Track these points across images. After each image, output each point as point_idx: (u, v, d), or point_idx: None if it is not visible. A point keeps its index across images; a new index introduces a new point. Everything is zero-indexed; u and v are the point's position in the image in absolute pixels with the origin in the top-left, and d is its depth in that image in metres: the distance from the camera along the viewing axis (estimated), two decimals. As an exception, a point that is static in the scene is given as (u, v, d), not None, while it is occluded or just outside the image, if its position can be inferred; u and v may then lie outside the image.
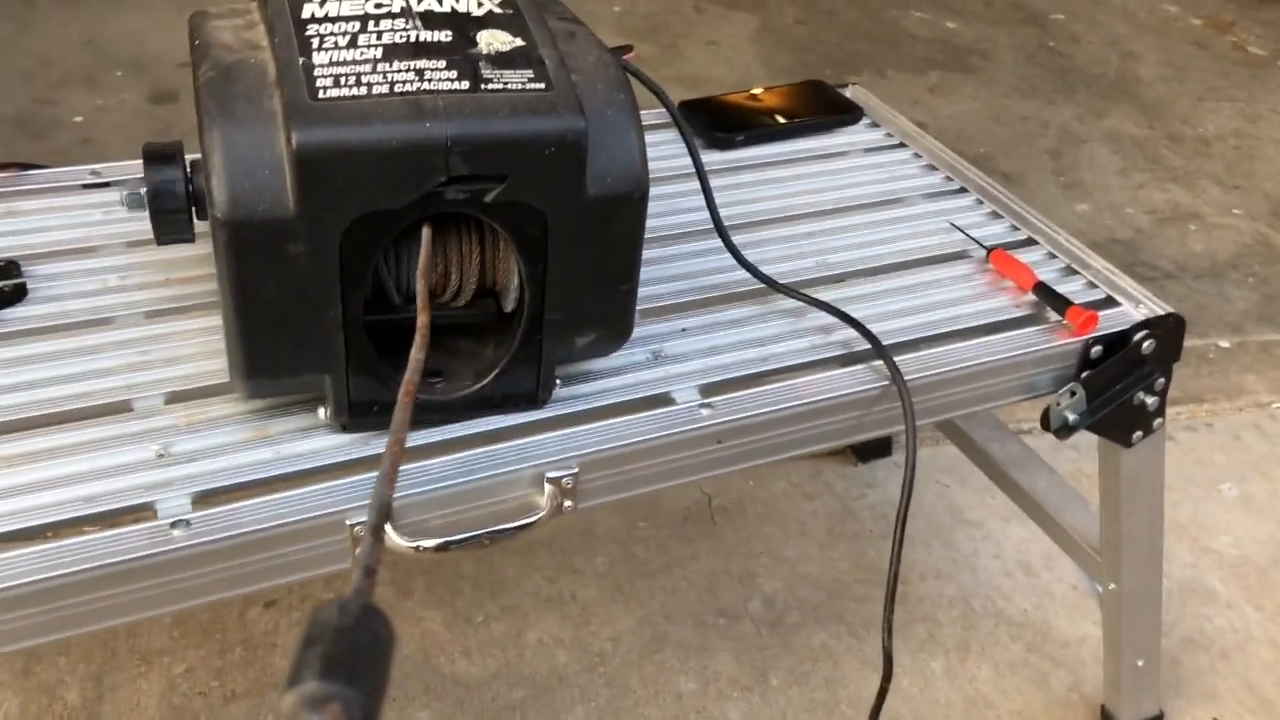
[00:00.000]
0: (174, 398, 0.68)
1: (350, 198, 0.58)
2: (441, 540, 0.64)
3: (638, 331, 0.76)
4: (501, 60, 0.62)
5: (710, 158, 0.98)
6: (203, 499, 0.62)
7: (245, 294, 0.60)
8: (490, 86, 0.60)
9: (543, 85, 0.61)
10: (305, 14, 0.62)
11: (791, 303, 0.81)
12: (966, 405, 0.81)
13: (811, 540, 1.30)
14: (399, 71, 0.60)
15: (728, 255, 0.82)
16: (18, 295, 0.73)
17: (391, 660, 0.36)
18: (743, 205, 0.93)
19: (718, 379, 0.75)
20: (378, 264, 0.64)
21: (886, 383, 0.76)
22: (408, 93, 0.59)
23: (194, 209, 0.64)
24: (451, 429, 0.68)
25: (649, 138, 0.97)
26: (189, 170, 0.64)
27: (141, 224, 0.78)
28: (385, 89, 0.59)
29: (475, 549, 0.66)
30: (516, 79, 0.61)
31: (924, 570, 1.27)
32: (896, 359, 0.76)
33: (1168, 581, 1.19)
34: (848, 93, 1.10)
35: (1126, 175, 2.09)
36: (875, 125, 1.07)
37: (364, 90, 0.58)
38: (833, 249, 0.89)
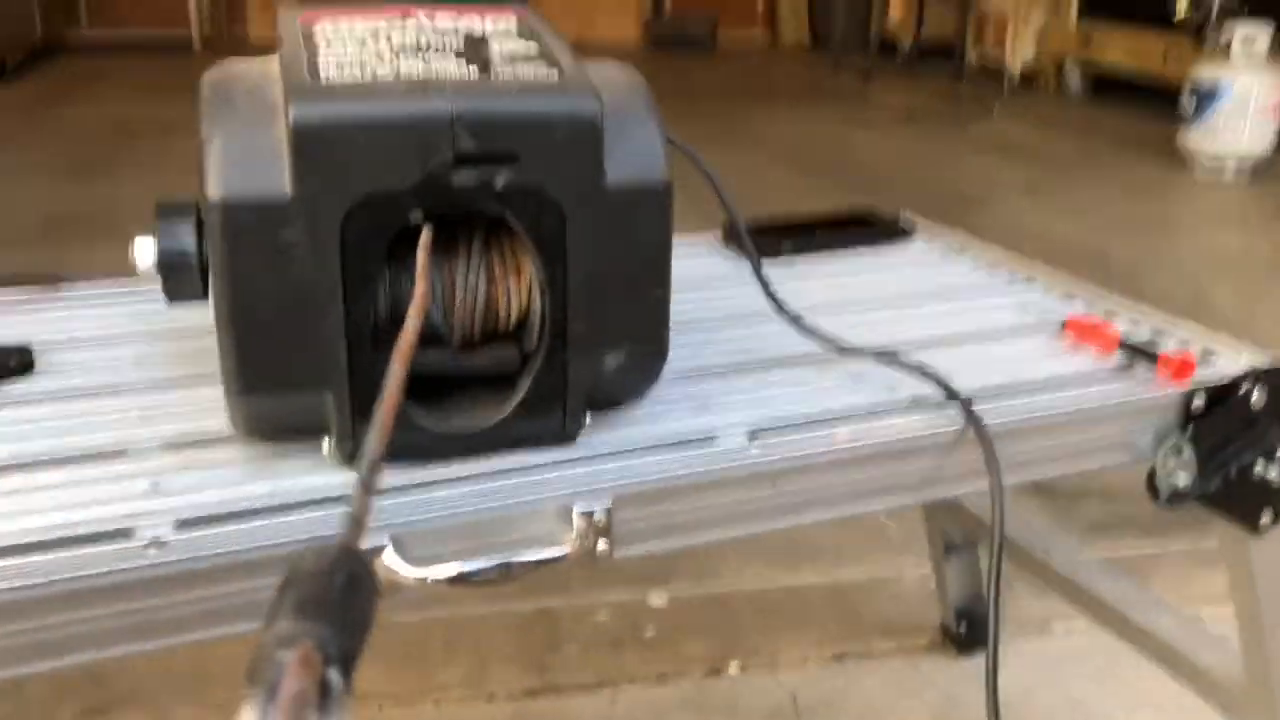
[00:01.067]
0: (171, 446, 0.62)
1: (350, 178, 0.55)
2: (454, 570, 0.56)
3: (683, 389, 0.70)
4: (514, 58, 0.60)
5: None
6: (187, 524, 0.55)
7: (240, 290, 0.55)
8: (501, 74, 0.58)
9: (555, 74, 0.59)
10: (315, 31, 0.61)
11: (854, 365, 0.74)
12: (1057, 463, 0.71)
13: (914, 733, 1.14)
14: (406, 62, 0.58)
15: (782, 333, 0.76)
16: (23, 370, 0.69)
17: (374, 601, 0.35)
18: (795, 298, 0.87)
19: (769, 426, 0.67)
20: (388, 286, 0.59)
21: (962, 427, 0.67)
22: (414, 76, 0.57)
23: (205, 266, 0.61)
24: (468, 465, 0.61)
25: (692, 261, 0.94)
26: (202, 226, 0.61)
27: (167, 317, 0.76)
28: (391, 75, 0.57)
29: (492, 586, 0.57)
30: (528, 70, 0.59)
31: (1048, 763, 1.10)
32: (974, 408, 0.68)
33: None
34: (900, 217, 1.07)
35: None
36: (931, 241, 1.03)
37: (369, 75, 0.57)
38: (896, 327, 0.82)
